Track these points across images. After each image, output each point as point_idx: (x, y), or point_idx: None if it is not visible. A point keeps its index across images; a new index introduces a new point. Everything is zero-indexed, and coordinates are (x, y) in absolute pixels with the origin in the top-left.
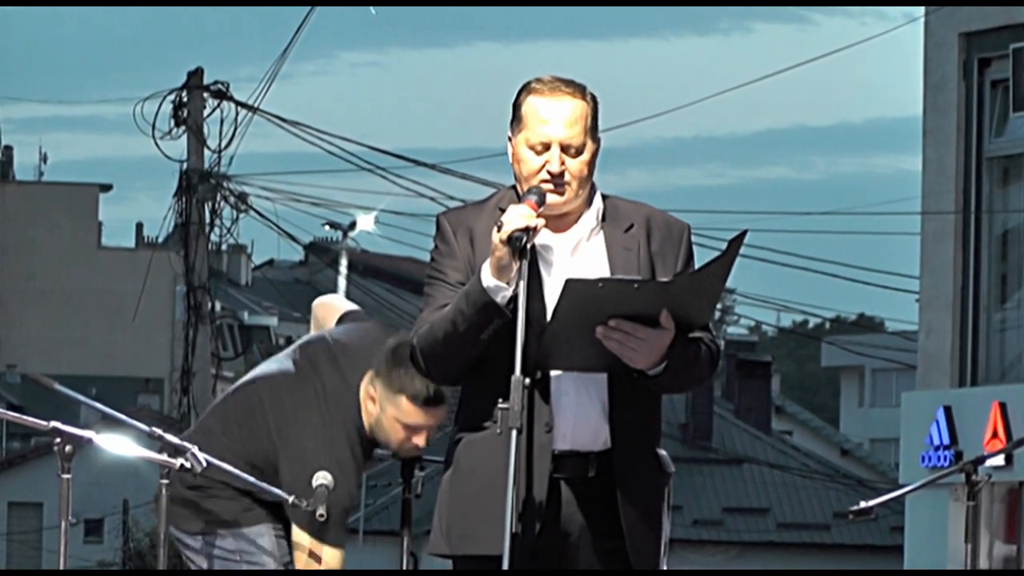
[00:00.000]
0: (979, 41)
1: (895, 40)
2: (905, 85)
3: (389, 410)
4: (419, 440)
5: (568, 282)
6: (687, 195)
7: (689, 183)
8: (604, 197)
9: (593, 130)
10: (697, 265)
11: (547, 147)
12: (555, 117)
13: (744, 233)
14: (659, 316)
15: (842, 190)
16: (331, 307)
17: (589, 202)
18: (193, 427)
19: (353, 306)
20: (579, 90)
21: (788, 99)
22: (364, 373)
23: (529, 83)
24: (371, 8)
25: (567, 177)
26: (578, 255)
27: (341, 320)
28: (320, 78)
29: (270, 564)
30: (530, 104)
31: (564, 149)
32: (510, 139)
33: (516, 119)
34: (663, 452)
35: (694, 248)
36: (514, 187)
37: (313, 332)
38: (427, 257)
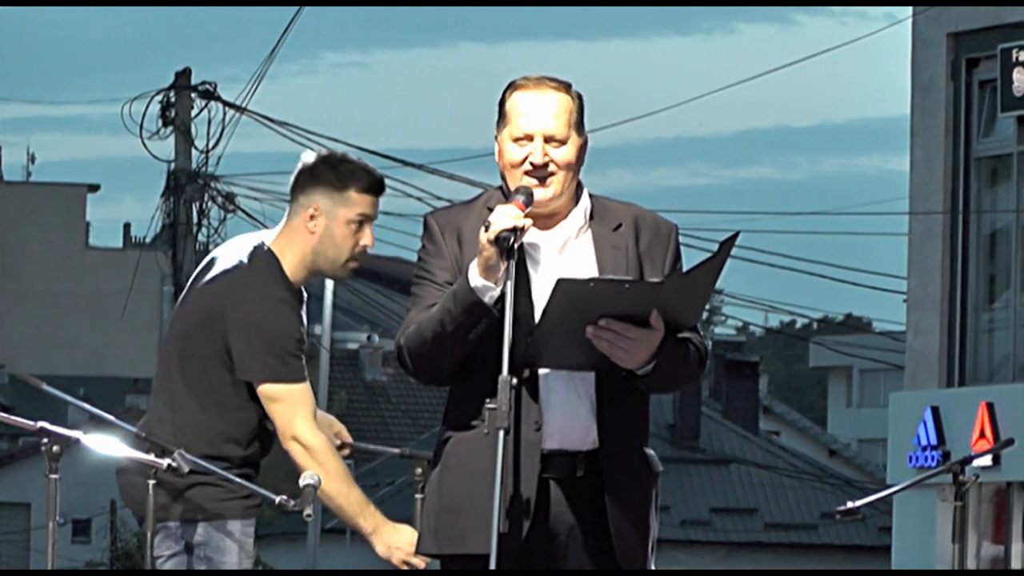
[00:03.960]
0: (967, 41)
1: (878, 41)
2: (888, 86)
3: (339, 213)
4: (367, 239)
5: (559, 281)
6: (670, 195)
7: (672, 183)
8: (592, 196)
9: (578, 125)
10: (685, 265)
11: (530, 139)
12: (538, 109)
13: (736, 235)
14: (649, 316)
15: (825, 190)
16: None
17: (576, 201)
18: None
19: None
20: (563, 85)
21: (770, 99)
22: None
23: (515, 81)
24: None
25: (551, 168)
26: (566, 253)
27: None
28: (304, 78)
29: (230, 562)
30: (514, 99)
31: (547, 140)
32: (496, 137)
33: (501, 116)
34: (651, 452)
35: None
36: (501, 187)
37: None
38: (415, 257)
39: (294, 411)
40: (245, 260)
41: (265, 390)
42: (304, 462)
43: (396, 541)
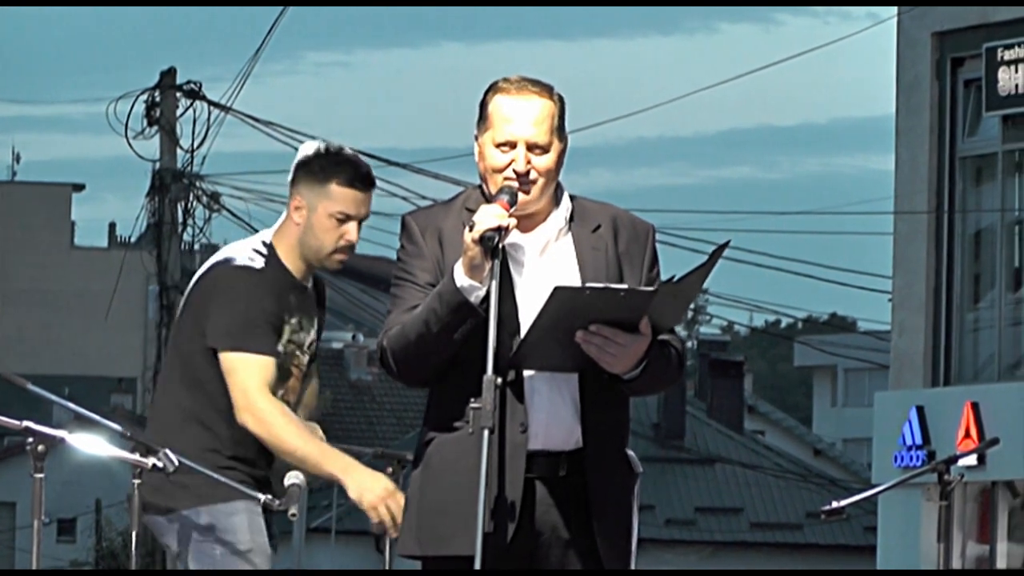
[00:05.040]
0: (952, 41)
1: (861, 41)
2: (871, 85)
3: (320, 206)
4: (351, 234)
5: (556, 289)
6: (652, 195)
7: (654, 183)
8: (571, 197)
9: (560, 130)
10: (662, 266)
11: (513, 146)
12: (521, 116)
13: (726, 244)
14: (638, 322)
15: (807, 190)
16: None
17: (557, 202)
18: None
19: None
20: (546, 90)
21: (753, 99)
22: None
23: (496, 83)
24: None
25: (533, 175)
26: (547, 255)
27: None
28: (286, 78)
29: (243, 540)
30: (496, 103)
31: (530, 148)
32: (476, 138)
33: (483, 118)
34: (631, 452)
35: (658, 248)
36: (480, 187)
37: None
38: None
39: (249, 382)
40: (233, 251)
41: (226, 359)
42: (257, 429)
43: (368, 483)
